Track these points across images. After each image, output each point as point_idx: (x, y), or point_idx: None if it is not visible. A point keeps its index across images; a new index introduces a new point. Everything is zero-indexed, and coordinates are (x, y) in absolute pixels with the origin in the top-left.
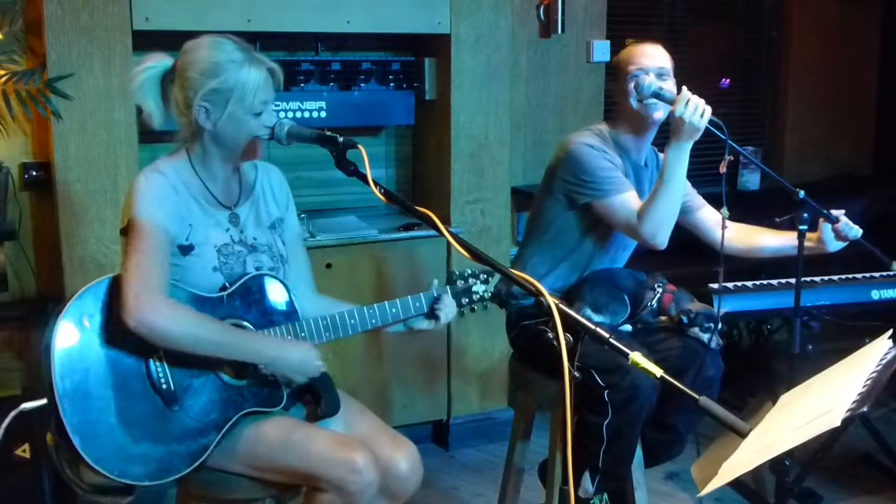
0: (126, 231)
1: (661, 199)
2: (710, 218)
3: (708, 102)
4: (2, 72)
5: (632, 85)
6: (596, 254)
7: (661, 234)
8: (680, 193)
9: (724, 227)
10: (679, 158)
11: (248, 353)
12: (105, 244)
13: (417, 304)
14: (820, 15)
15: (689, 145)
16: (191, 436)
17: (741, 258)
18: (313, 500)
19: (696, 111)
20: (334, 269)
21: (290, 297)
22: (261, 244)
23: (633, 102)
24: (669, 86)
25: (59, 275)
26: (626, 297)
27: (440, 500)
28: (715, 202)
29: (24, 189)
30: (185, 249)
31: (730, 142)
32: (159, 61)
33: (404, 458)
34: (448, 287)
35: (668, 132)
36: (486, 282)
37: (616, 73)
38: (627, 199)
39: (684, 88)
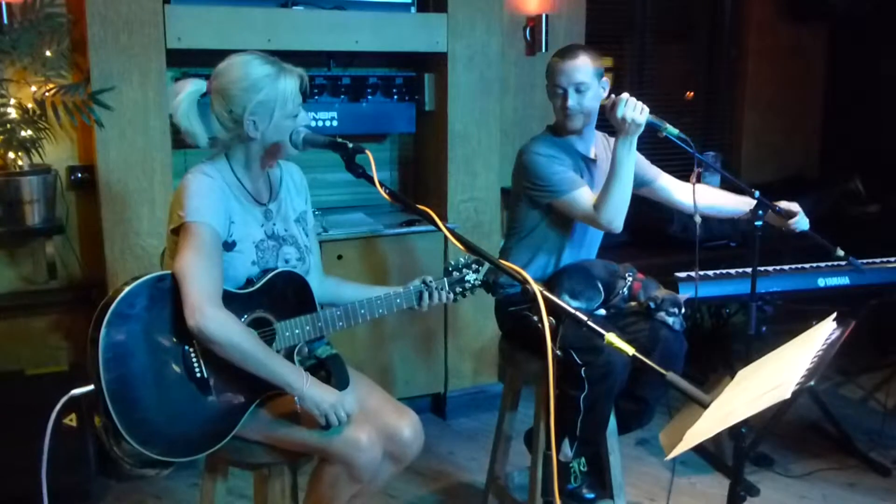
0: (178, 231)
1: (613, 190)
2: (668, 184)
3: (674, 113)
4: (51, 85)
5: (557, 101)
6: (565, 245)
7: (616, 220)
8: (629, 182)
9: (698, 227)
10: (627, 153)
11: (276, 375)
12: (143, 238)
13: (417, 294)
14: (773, 36)
15: (635, 140)
16: (221, 417)
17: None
18: (323, 471)
19: (636, 109)
20: (345, 260)
21: (310, 291)
22: (289, 237)
23: (558, 107)
24: (591, 94)
25: (101, 265)
26: (599, 285)
27: (438, 463)
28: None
29: (70, 189)
30: (229, 246)
31: (697, 155)
32: (193, 86)
33: (407, 426)
34: (445, 279)
35: (663, 148)
36: (476, 271)
37: (546, 77)
38: (581, 195)
39: (625, 94)
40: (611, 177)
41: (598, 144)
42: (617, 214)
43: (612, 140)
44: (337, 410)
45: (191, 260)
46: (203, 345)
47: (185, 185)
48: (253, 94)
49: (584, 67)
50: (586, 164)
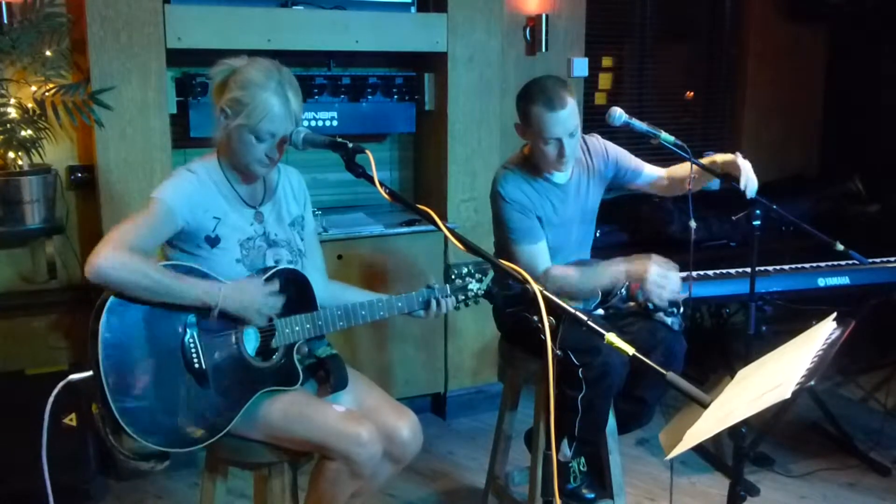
0: None
1: (581, 278)
2: (653, 171)
3: (674, 113)
4: (51, 85)
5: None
6: (554, 253)
7: (555, 292)
8: (598, 289)
9: (693, 232)
10: (621, 301)
11: (188, 296)
12: None
13: (420, 300)
14: (773, 35)
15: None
16: (218, 410)
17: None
18: (324, 467)
19: (664, 289)
20: (345, 260)
21: (311, 290)
22: (280, 240)
23: (553, 157)
24: (574, 142)
25: None
26: None
27: (438, 463)
28: (683, 202)
29: (70, 189)
30: (213, 241)
31: (693, 161)
32: (234, 61)
33: (406, 425)
34: (448, 286)
35: (661, 152)
36: (480, 280)
37: (527, 122)
38: (532, 252)
39: (653, 271)
40: (593, 267)
41: (578, 160)
42: (559, 291)
43: (587, 141)
44: (262, 310)
45: (126, 222)
46: (101, 286)
47: (168, 177)
48: (238, 89)
49: (574, 110)
50: (561, 190)
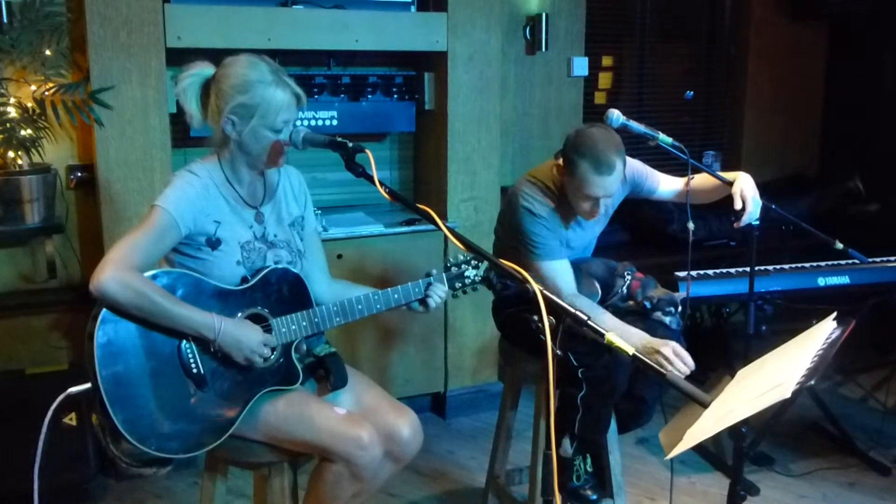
0: None
1: (601, 314)
2: (669, 187)
3: (674, 113)
4: (50, 84)
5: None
6: None
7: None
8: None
9: (691, 233)
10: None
11: (187, 325)
12: None
13: (416, 290)
14: (774, 34)
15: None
16: (219, 413)
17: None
18: (324, 469)
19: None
20: (344, 260)
21: (305, 288)
22: (280, 240)
23: (584, 211)
24: (610, 200)
25: None
26: (597, 284)
27: (438, 462)
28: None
29: (70, 188)
30: (214, 244)
31: (692, 161)
32: (202, 69)
33: (406, 425)
34: (444, 274)
35: (660, 153)
36: (476, 267)
37: (570, 171)
38: (553, 268)
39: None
40: (612, 320)
41: None
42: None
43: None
44: (260, 352)
45: (131, 234)
46: (106, 305)
47: (171, 178)
48: (238, 94)
49: (620, 174)
50: (582, 217)
